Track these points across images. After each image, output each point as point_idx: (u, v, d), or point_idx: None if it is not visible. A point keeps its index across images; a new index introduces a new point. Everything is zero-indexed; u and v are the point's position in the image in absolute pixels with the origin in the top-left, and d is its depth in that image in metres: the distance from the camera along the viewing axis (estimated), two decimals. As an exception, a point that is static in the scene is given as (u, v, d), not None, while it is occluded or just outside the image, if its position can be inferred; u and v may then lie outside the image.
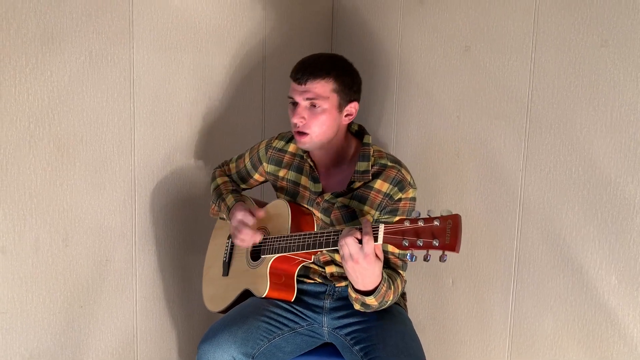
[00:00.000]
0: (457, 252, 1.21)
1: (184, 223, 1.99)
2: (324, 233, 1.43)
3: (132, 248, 1.86)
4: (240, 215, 1.59)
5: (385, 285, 1.40)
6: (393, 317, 1.54)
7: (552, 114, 1.64)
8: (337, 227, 1.55)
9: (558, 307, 1.67)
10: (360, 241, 1.31)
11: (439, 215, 1.24)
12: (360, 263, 1.31)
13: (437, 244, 1.22)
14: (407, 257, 1.28)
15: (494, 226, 1.81)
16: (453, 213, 1.23)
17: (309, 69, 1.53)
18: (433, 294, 2.00)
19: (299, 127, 1.54)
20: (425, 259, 1.25)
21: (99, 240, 1.77)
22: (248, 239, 1.57)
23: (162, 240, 1.94)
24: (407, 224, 1.27)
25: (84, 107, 1.69)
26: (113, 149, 1.77)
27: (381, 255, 1.35)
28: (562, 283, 1.66)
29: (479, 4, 1.80)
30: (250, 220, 1.58)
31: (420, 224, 1.25)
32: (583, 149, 1.59)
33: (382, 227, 1.30)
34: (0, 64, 1.53)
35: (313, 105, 1.52)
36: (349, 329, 1.53)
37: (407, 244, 1.26)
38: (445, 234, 1.22)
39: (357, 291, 1.41)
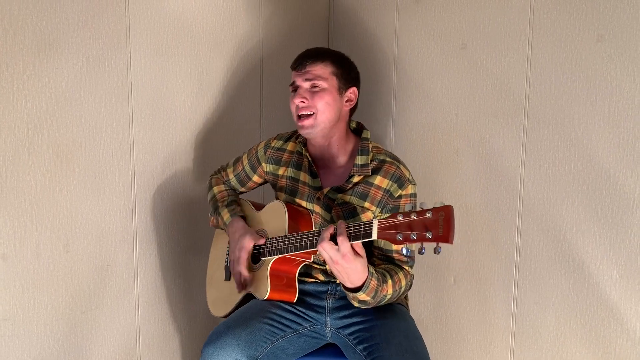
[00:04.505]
0: (451, 243, 1.21)
1: (185, 226, 1.99)
2: (321, 231, 1.43)
3: (133, 252, 1.86)
4: (238, 252, 1.59)
5: (374, 280, 1.42)
6: (396, 316, 1.54)
7: (549, 110, 1.65)
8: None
9: (560, 302, 1.67)
10: (336, 242, 1.33)
11: (431, 207, 1.25)
12: (340, 263, 1.35)
13: (430, 236, 1.22)
14: (403, 250, 1.28)
15: (494, 223, 1.81)
16: (445, 204, 1.23)
17: (307, 55, 1.60)
18: (435, 292, 2.00)
19: (301, 107, 1.56)
20: (420, 251, 1.25)
21: (99, 246, 1.77)
22: (237, 279, 1.59)
23: (163, 244, 1.93)
24: (400, 217, 1.28)
25: (82, 112, 1.69)
26: (112, 154, 1.77)
27: (361, 252, 1.36)
28: (563, 279, 1.66)
29: (474, 2, 1.80)
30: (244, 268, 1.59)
31: (413, 217, 1.26)
32: (581, 144, 1.59)
33: (375, 222, 1.31)
34: (-3, 71, 1.53)
35: (314, 87, 1.56)
36: (352, 329, 1.53)
37: (401, 238, 1.27)
38: (438, 225, 1.22)
39: (347, 289, 1.43)
